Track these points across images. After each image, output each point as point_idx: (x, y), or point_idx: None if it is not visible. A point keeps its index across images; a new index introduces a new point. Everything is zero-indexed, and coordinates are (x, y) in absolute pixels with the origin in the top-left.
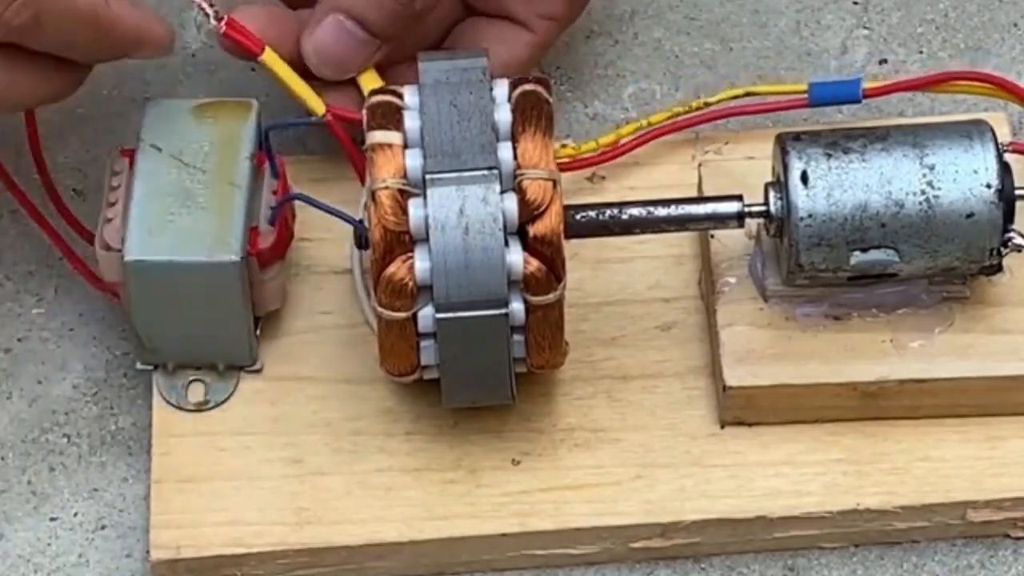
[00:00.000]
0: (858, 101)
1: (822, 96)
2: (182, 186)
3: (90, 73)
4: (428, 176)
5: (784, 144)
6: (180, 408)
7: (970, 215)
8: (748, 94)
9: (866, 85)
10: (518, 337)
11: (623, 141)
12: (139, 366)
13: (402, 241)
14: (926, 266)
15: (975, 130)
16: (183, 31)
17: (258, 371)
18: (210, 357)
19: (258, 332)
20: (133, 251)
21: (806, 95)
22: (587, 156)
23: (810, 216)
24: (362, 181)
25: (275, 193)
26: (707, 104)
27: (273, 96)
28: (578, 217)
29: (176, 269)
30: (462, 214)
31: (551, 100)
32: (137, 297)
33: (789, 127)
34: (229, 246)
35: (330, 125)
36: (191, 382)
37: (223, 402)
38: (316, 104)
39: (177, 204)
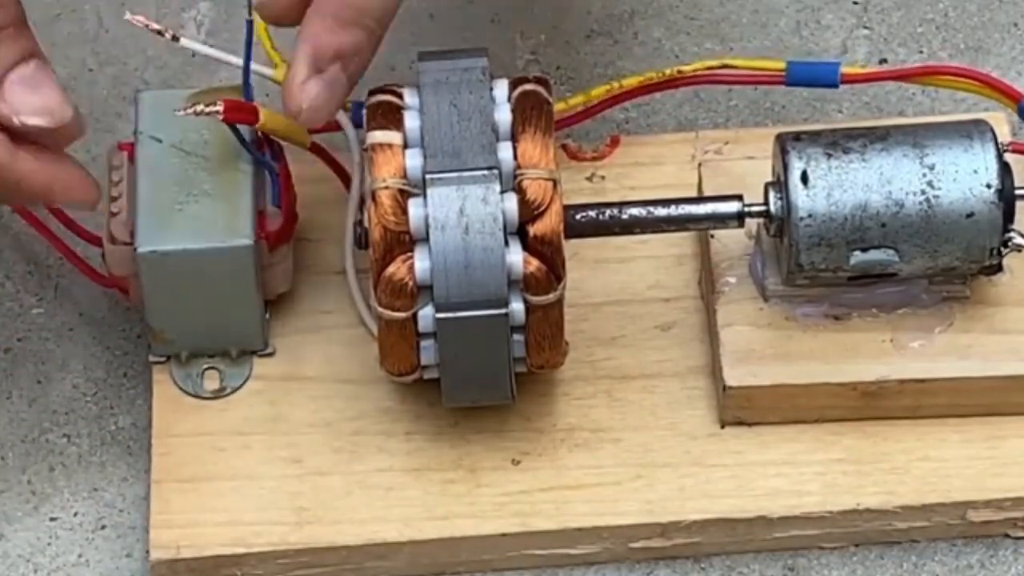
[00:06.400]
0: (835, 86)
1: (799, 76)
2: (186, 174)
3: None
4: (428, 176)
5: (784, 144)
6: (198, 397)
7: (970, 215)
8: (724, 66)
9: (845, 70)
10: (518, 337)
11: (593, 103)
12: (151, 358)
13: (402, 241)
14: (926, 266)
15: (975, 130)
16: (182, 30)
17: (271, 355)
18: (223, 344)
19: (267, 316)
20: (145, 242)
21: (783, 73)
22: (559, 118)
23: (810, 216)
24: (348, 190)
25: (278, 176)
26: (680, 72)
27: (273, 97)
28: (578, 217)
29: (190, 257)
30: (462, 214)
31: (551, 100)
32: (150, 288)
33: (789, 127)
34: (241, 230)
35: (316, 150)
36: (205, 370)
37: (240, 387)
38: (303, 137)
39: (183, 193)
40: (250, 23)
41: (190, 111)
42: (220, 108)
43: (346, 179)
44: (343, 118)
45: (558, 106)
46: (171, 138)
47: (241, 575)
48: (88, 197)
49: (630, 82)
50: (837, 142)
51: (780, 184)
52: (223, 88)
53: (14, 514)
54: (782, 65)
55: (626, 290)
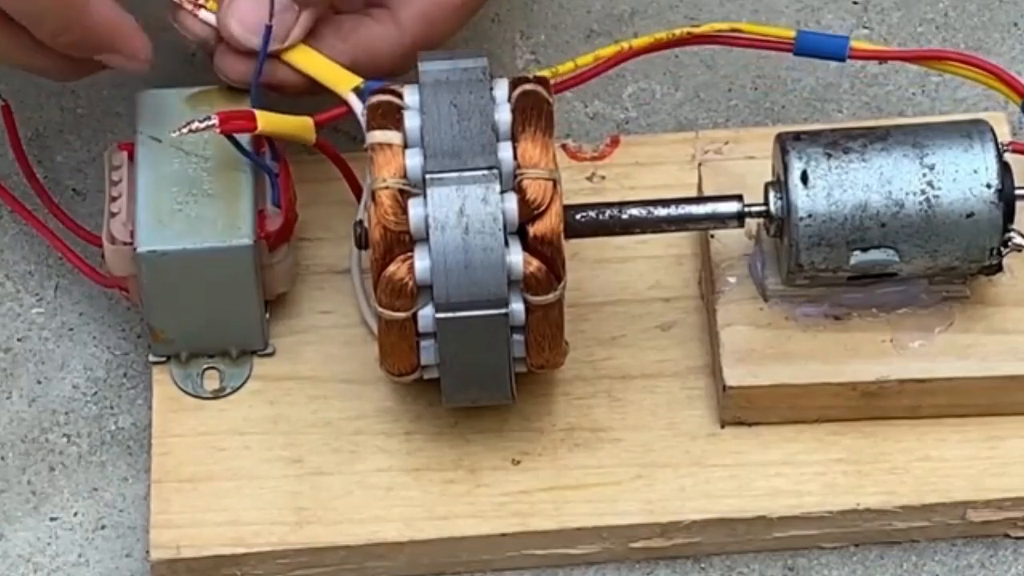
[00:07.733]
0: (843, 59)
1: (808, 46)
2: (186, 175)
3: (84, 74)
4: (428, 176)
5: (784, 144)
6: (198, 397)
7: (970, 215)
8: (734, 30)
9: (854, 44)
10: (518, 337)
11: (603, 60)
12: (151, 359)
13: (402, 241)
14: (926, 266)
15: (975, 130)
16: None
17: (271, 355)
18: (223, 344)
19: (268, 316)
20: (145, 242)
21: (793, 42)
22: (567, 77)
23: (810, 216)
24: (352, 189)
25: (277, 176)
26: (690, 34)
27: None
28: (578, 217)
29: (190, 257)
30: (462, 214)
31: (551, 100)
32: (150, 288)
33: (789, 127)
34: (241, 230)
35: (321, 147)
36: (205, 370)
37: (240, 387)
38: (308, 134)
39: (183, 193)
40: (269, 28)
41: (185, 131)
42: (215, 122)
43: (350, 176)
44: (360, 110)
45: (566, 66)
46: (171, 138)
47: (241, 575)
48: (140, 54)
49: (640, 42)
50: (837, 142)
51: (780, 184)
52: (223, 89)
53: (14, 514)
54: (792, 34)
55: (626, 290)
